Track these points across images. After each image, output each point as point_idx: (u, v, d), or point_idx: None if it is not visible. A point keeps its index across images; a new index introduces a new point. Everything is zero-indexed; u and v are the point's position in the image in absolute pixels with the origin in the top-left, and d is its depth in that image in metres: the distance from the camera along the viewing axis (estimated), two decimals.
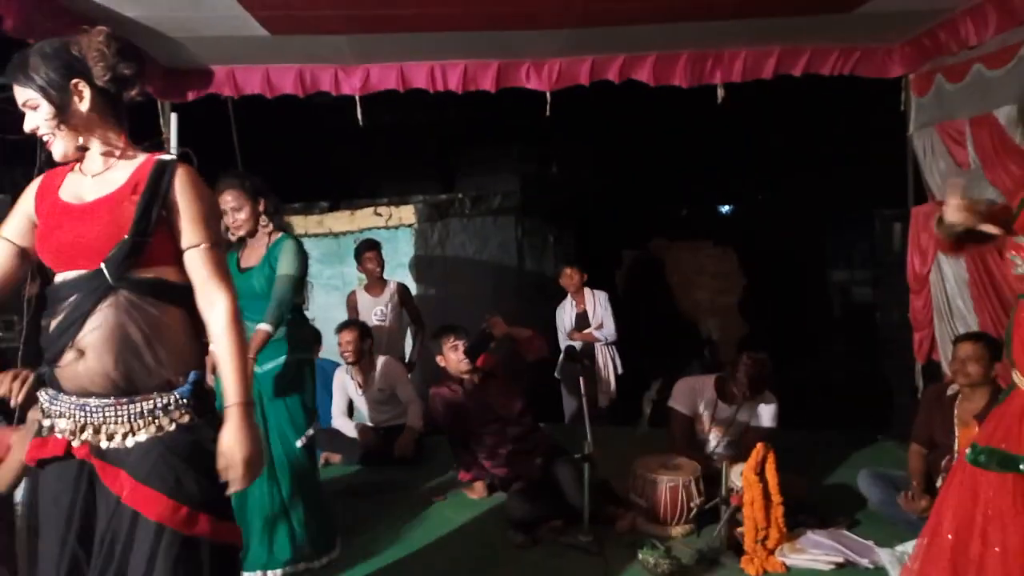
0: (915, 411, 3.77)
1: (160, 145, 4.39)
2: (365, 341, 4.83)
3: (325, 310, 6.31)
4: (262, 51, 4.12)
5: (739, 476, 3.25)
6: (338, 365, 5.01)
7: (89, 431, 1.79)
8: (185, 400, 1.82)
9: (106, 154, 1.86)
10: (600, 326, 5.71)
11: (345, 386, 4.96)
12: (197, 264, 1.84)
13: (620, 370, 5.82)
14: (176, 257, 1.85)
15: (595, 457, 3.43)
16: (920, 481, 3.49)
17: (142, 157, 1.88)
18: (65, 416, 1.81)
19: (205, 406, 1.88)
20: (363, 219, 6.62)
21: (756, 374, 3.89)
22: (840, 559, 3.16)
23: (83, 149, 1.86)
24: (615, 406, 5.86)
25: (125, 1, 3.38)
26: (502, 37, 4.01)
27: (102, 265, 1.76)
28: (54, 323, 1.81)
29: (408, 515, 3.89)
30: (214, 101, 4.68)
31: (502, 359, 4.21)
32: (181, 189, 1.82)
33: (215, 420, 1.86)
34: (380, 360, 4.94)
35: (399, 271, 6.33)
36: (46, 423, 1.85)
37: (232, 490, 1.79)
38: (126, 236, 1.76)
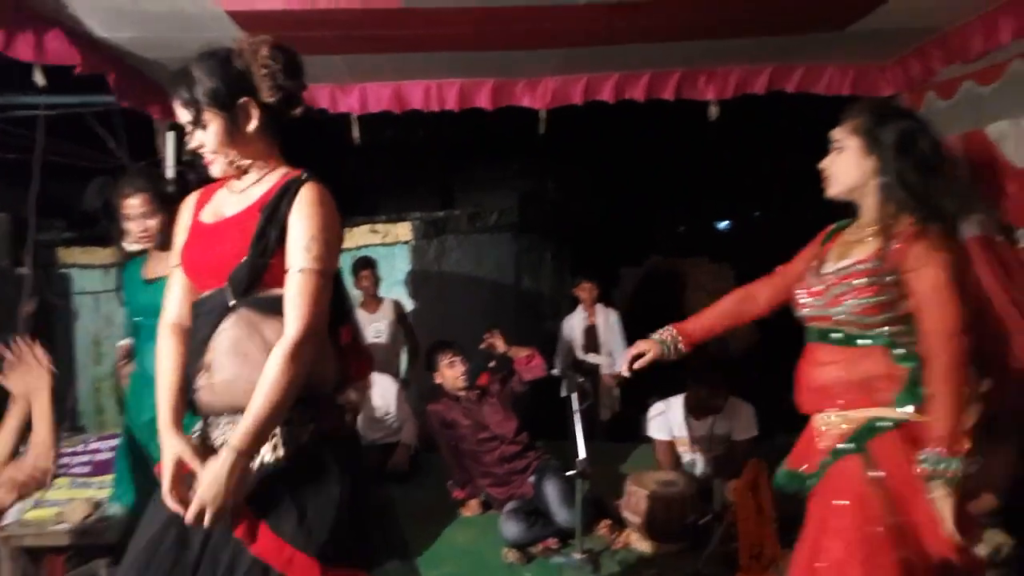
0: None
1: (157, 164, 4.42)
2: None
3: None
4: None
5: (732, 491, 3.25)
6: None
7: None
8: (307, 415, 1.72)
9: (259, 171, 1.82)
10: (611, 354, 5.82)
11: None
12: (289, 285, 1.69)
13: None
14: None
15: (589, 474, 3.43)
16: None
17: (280, 172, 1.81)
18: (201, 437, 1.76)
19: (332, 422, 1.76)
20: (359, 236, 6.64)
21: (705, 395, 3.98)
22: None
23: (243, 167, 1.81)
24: (618, 420, 5.88)
25: (116, 24, 3.42)
26: (498, 56, 4.05)
27: (226, 284, 1.72)
28: (191, 345, 1.77)
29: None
30: None
31: (499, 377, 4.22)
32: (297, 209, 1.71)
33: (343, 440, 1.78)
34: (376, 378, 4.95)
35: (396, 288, 6.35)
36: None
37: (188, 519, 1.62)
38: (245, 258, 1.70)
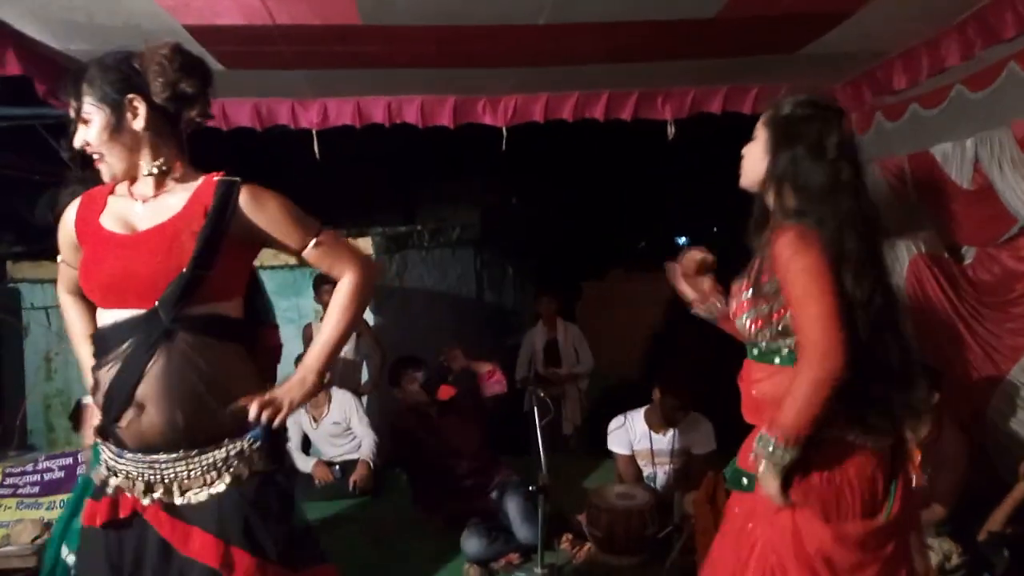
0: None
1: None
2: None
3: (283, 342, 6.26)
4: (218, 85, 4.11)
5: (691, 504, 3.29)
6: None
7: (160, 490, 1.65)
8: (259, 443, 1.68)
9: (160, 177, 1.72)
10: (572, 368, 5.87)
11: (299, 420, 4.90)
12: (319, 257, 1.77)
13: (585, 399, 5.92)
14: (233, 290, 1.73)
15: (551, 488, 3.44)
16: None
17: (199, 180, 1.73)
18: (132, 476, 1.66)
19: (280, 447, 1.75)
20: None
21: (671, 406, 3.98)
22: None
23: (134, 170, 1.71)
24: (580, 434, 5.90)
25: (72, 37, 3.37)
26: (459, 74, 4.08)
27: (156, 304, 1.61)
28: (109, 375, 1.65)
29: (365, 549, 3.85)
30: None
31: (461, 393, 4.21)
32: (256, 207, 1.70)
33: (282, 456, 1.78)
34: (335, 393, 4.91)
35: None
36: (112, 482, 1.69)
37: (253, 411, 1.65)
38: (184, 271, 1.61)
